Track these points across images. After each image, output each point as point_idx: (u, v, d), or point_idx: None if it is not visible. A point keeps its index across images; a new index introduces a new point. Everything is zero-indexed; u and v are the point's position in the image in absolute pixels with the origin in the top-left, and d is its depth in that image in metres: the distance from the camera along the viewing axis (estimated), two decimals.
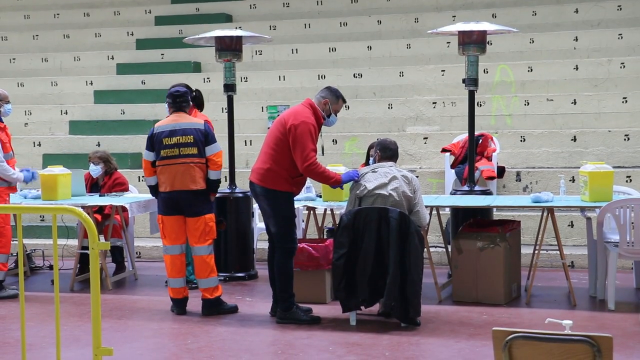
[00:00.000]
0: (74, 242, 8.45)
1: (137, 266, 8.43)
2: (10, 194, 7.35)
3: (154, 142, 6.57)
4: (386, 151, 6.32)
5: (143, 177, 10.06)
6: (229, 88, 8.28)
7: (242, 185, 8.78)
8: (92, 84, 12.93)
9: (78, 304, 7.02)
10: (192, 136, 6.52)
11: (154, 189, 6.67)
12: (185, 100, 6.72)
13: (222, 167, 6.66)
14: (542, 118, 10.58)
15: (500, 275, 6.72)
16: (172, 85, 7.73)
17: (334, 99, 6.31)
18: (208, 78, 12.29)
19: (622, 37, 11.65)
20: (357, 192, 6.16)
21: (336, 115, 6.36)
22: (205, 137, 6.57)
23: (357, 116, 11.30)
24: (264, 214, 6.34)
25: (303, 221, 8.21)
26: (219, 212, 8.06)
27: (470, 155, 8.00)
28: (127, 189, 8.35)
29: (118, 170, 8.51)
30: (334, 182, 6.23)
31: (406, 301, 5.95)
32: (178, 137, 6.51)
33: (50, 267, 8.72)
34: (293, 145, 6.06)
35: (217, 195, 7.99)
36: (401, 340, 5.76)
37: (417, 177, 6.42)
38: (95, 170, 8.26)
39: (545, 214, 6.93)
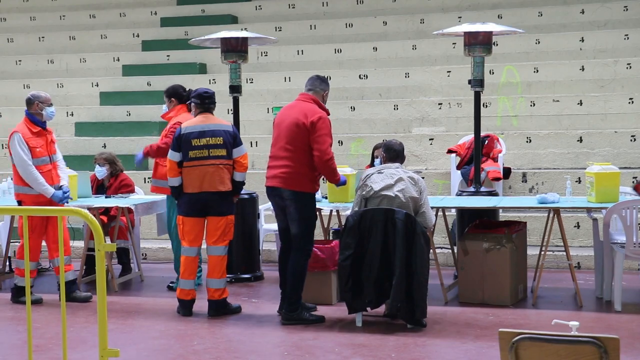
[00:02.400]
0: (80, 244, 8.46)
1: (143, 268, 8.44)
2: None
3: (182, 143, 6.54)
4: (390, 152, 6.32)
5: (149, 178, 10.12)
6: (235, 89, 8.28)
7: (248, 186, 8.78)
8: (97, 85, 12.96)
9: (84, 305, 7.03)
10: (221, 138, 6.53)
11: (177, 190, 6.63)
12: (212, 101, 6.72)
13: (247, 169, 6.70)
14: (548, 119, 10.56)
15: (506, 276, 6.71)
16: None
17: (328, 88, 6.43)
18: (214, 79, 12.30)
19: (628, 38, 11.63)
20: (363, 193, 6.16)
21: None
22: (233, 139, 6.59)
23: (363, 117, 11.30)
24: (288, 217, 6.28)
25: None
26: None
27: (476, 156, 7.99)
28: (133, 191, 8.36)
29: (124, 172, 8.52)
30: (337, 180, 6.37)
31: (412, 302, 5.94)
32: (208, 139, 6.51)
33: None
34: (314, 139, 6.08)
35: None
36: (407, 342, 5.75)
37: (422, 178, 6.42)
38: (101, 171, 8.27)
39: (551, 215, 6.92)
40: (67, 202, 7.09)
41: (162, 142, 7.19)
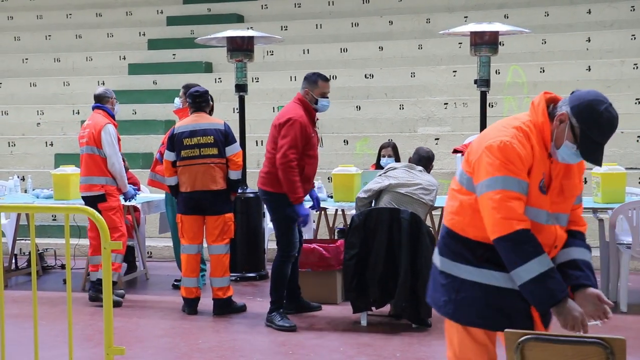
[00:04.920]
0: (86, 242, 8.45)
1: (148, 266, 8.44)
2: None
3: (175, 143, 6.59)
4: (414, 155, 6.46)
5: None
6: (241, 88, 8.29)
7: (253, 185, 8.74)
8: (104, 84, 12.94)
9: (90, 303, 7.04)
10: (212, 136, 6.54)
11: (174, 189, 6.69)
12: (204, 100, 6.73)
13: (242, 167, 6.68)
14: None
15: None
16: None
17: (312, 84, 6.09)
18: (219, 78, 12.31)
19: (635, 38, 11.60)
20: (381, 182, 6.19)
21: (326, 98, 6.13)
22: (225, 137, 6.59)
23: (368, 117, 11.30)
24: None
25: (314, 221, 8.21)
26: None
27: None
28: (139, 189, 8.37)
29: (130, 170, 8.52)
30: (295, 199, 5.93)
31: (417, 302, 5.93)
32: (198, 138, 6.53)
33: (62, 267, 8.75)
34: (280, 140, 5.93)
35: None
36: (412, 341, 5.75)
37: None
38: None
39: None
40: (132, 200, 7.30)
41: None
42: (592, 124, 2.87)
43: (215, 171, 6.55)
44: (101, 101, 7.20)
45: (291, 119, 5.94)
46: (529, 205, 2.90)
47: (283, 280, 6.19)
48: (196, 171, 6.53)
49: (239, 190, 8.12)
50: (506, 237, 2.84)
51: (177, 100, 7.58)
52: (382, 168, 7.80)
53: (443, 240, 3.12)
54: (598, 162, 2.95)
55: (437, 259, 3.15)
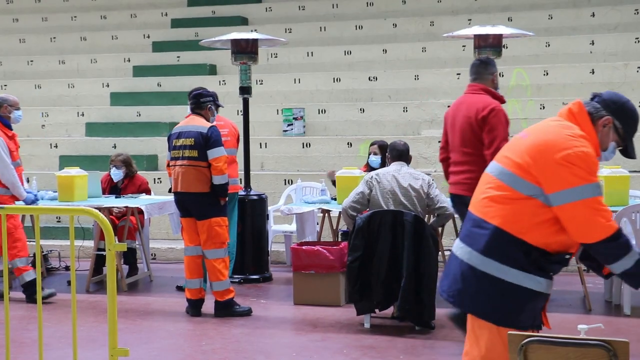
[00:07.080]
0: (90, 244, 8.49)
1: (152, 268, 8.46)
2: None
3: (169, 144, 6.71)
4: (393, 151, 6.39)
5: (159, 179, 10.21)
6: (245, 91, 8.30)
7: (258, 187, 8.79)
8: (108, 86, 13.00)
9: (94, 305, 7.06)
10: (192, 139, 6.53)
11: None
12: (194, 102, 6.73)
13: (224, 173, 6.47)
14: None
15: None
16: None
17: (495, 69, 5.74)
18: (224, 81, 12.33)
19: (638, 41, 11.60)
20: (367, 190, 6.16)
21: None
22: (206, 140, 6.49)
23: (372, 119, 11.31)
24: None
25: (318, 224, 8.22)
26: None
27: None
28: (150, 192, 8.44)
29: (139, 173, 8.55)
30: None
31: (421, 304, 5.94)
32: (183, 140, 6.58)
33: (67, 268, 8.76)
34: (487, 135, 5.36)
35: None
36: (415, 344, 5.76)
37: (433, 180, 6.43)
38: (118, 174, 8.26)
39: None
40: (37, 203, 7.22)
41: None
42: (632, 123, 3.23)
43: (193, 174, 6.52)
44: None
45: (494, 108, 5.38)
46: None
47: None
48: (178, 172, 6.58)
49: (243, 193, 8.14)
50: (611, 237, 3.00)
51: None
52: (372, 168, 7.76)
53: (492, 242, 3.06)
54: (635, 155, 3.30)
55: (477, 258, 3.07)
